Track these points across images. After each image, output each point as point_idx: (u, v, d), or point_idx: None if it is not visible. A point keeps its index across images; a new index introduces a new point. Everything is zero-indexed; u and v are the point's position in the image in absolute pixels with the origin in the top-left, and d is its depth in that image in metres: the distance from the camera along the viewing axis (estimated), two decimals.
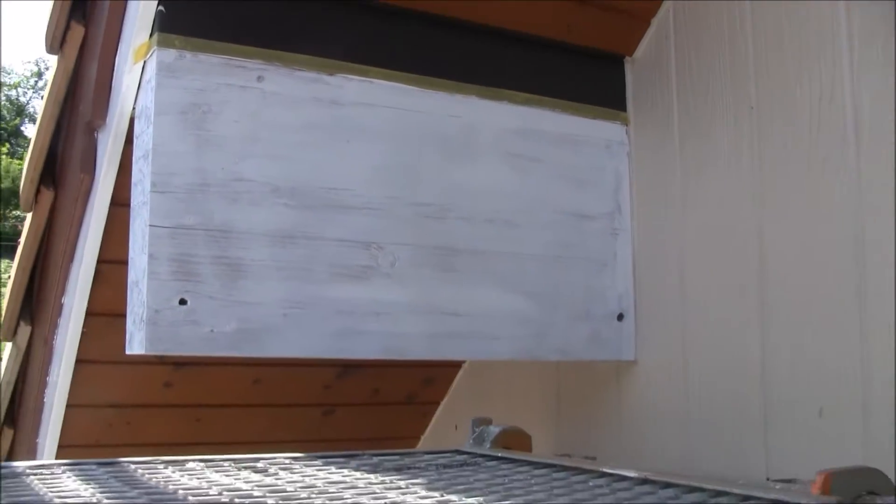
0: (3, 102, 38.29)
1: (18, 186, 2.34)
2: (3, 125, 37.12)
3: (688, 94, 2.06)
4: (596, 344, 2.10)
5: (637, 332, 2.14)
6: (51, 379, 2.30)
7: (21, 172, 2.35)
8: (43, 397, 2.36)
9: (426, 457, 1.53)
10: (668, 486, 1.13)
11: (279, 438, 2.59)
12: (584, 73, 2.19)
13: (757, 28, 1.91)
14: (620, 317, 2.14)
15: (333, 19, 1.89)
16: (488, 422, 1.73)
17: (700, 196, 2.02)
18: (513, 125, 2.05)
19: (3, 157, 30.99)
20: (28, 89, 38.33)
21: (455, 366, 2.76)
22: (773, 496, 0.99)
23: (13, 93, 39.29)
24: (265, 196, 1.76)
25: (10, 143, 33.87)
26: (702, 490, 1.08)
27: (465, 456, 1.58)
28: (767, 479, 1.08)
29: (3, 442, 2.63)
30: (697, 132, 2.03)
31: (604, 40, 2.18)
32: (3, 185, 27.56)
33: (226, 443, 2.47)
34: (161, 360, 2.33)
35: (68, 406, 2.31)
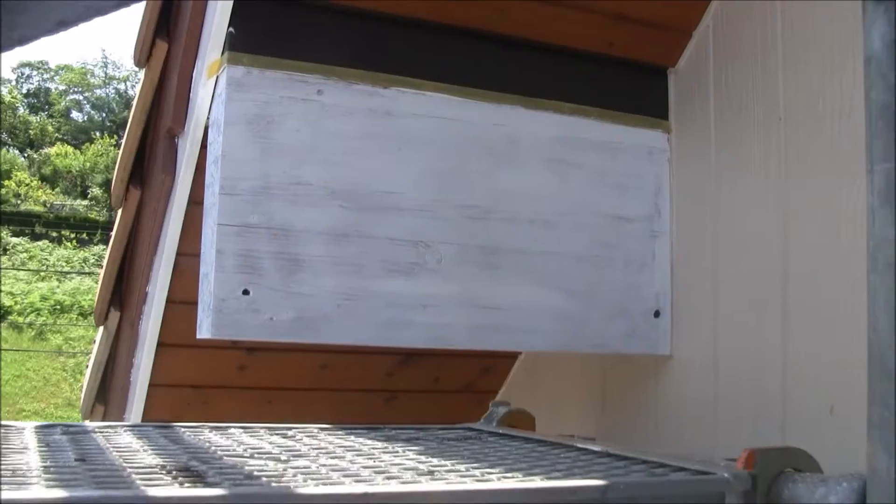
0: (112, 96, 39.69)
1: None
2: (112, 118, 38.49)
3: (724, 105, 2.17)
4: (633, 339, 2.23)
5: (673, 328, 2.26)
6: (136, 360, 2.51)
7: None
8: (129, 377, 2.56)
9: (439, 432, 1.68)
10: (622, 458, 1.28)
11: (343, 421, 2.74)
12: (627, 84, 2.30)
13: (786, 43, 2.01)
14: (657, 313, 2.26)
15: (388, 36, 2.06)
16: (506, 404, 1.88)
17: (732, 202, 2.13)
18: (556, 133, 2.18)
19: (111, 148, 32.17)
20: (136, 83, 39.61)
21: (512, 357, 2.90)
22: (698, 467, 1.13)
23: (122, 86, 40.76)
24: (322, 198, 1.94)
25: (118, 135, 35.07)
26: (647, 462, 1.22)
27: (473, 432, 1.73)
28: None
29: (95, 417, 2.87)
30: (731, 141, 2.14)
31: (645, 53, 2.29)
32: (111, 176, 28.57)
33: (294, 423, 2.64)
34: (235, 345, 2.50)
35: (151, 385, 2.51)
